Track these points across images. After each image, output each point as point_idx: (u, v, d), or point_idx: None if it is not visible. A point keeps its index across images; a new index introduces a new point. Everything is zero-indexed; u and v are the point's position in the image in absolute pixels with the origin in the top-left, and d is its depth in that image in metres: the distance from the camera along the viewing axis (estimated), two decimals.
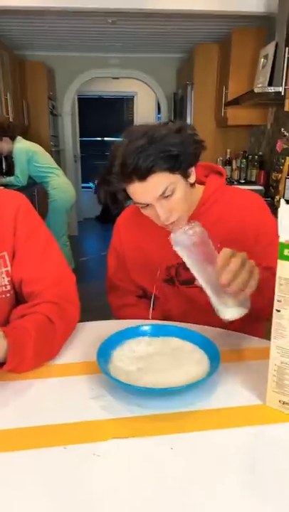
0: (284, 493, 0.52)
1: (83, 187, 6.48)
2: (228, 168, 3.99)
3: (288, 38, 2.51)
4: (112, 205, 0.99)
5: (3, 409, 0.69)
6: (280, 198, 2.79)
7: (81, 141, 6.40)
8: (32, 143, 3.44)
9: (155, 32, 3.95)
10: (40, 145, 3.53)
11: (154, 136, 0.87)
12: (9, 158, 3.45)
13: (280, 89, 2.50)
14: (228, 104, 3.45)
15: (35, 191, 3.74)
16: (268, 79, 2.65)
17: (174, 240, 0.78)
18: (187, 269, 0.79)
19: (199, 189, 1.05)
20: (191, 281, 0.80)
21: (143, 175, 0.87)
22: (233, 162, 4.03)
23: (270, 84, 2.63)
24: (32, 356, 0.76)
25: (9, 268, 0.91)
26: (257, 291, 0.76)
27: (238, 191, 1.10)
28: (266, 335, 0.77)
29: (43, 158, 3.44)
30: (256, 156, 3.70)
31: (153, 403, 0.68)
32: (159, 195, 0.91)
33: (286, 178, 2.81)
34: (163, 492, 0.52)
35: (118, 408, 0.68)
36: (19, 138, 3.36)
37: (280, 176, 3.03)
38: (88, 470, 0.55)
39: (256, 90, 2.62)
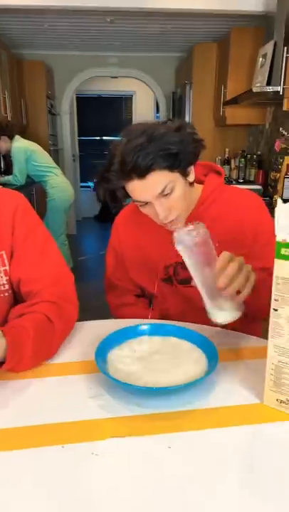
0: (282, 491, 0.52)
1: (82, 186, 6.48)
2: (226, 167, 3.98)
3: (287, 38, 2.51)
4: (111, 203, 0.99)
5: (2, 408, 0.69)
6: (278, 198, 2.78)
7: (79, 140, 6.38)
8: (30, 142, 3.44)
9: (154, 31, 3.94)
10: (39, 144, 3.53)
11: (153, 135, 0.87)
12: (7, 157, 3.46)
13: (279, 88, 2.49)
14: (226, 103, 3.45)
15: (34, 190, 3.73)
16: (266, 78, 2.65)
17: (177, 239, 0.78)
18: (185, 269, 0.79)
19: (198, 188, 1.05)
20: (189, 280, 0.80)
21: (142, 173, 0.87)
22: (232, 161, 4.03)
23: (268, 83, 2.62)
24: (30, 355, 0.76)
25: (7, 267, 0.91)
26: (253, 293, 0.76)
27: (237, 191, 1.10)
28: (264, 334, 0.77)
29: (42, 157, 3.44)
30: (255, 156, 3.71)
31: (151, 402, 0.68)
32: (158, 193, 0.91)
33: (284, 177, 2.81)
34: (161, 491, 0.52)
35: (116, 407, 0.68)
36: (17, 137, 3.36)
37: (278, 175, 3.03)
38: (86, 469, 0.55)
39: (255, 90, 2.62)
